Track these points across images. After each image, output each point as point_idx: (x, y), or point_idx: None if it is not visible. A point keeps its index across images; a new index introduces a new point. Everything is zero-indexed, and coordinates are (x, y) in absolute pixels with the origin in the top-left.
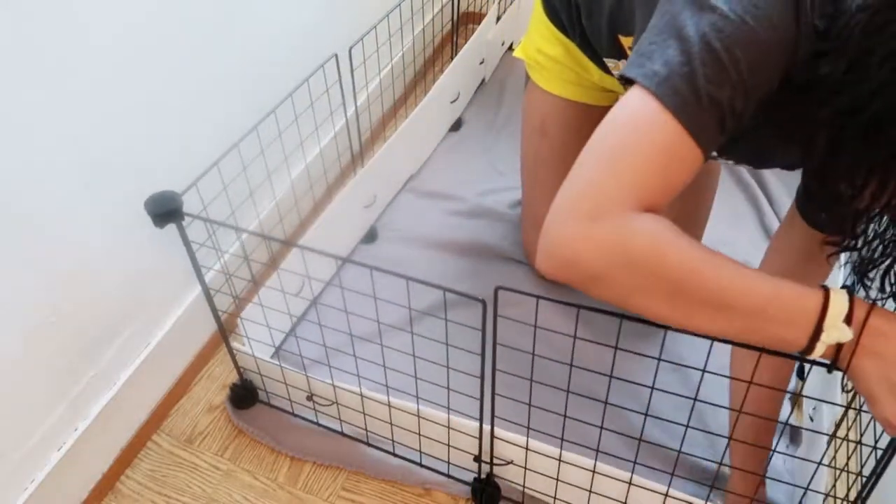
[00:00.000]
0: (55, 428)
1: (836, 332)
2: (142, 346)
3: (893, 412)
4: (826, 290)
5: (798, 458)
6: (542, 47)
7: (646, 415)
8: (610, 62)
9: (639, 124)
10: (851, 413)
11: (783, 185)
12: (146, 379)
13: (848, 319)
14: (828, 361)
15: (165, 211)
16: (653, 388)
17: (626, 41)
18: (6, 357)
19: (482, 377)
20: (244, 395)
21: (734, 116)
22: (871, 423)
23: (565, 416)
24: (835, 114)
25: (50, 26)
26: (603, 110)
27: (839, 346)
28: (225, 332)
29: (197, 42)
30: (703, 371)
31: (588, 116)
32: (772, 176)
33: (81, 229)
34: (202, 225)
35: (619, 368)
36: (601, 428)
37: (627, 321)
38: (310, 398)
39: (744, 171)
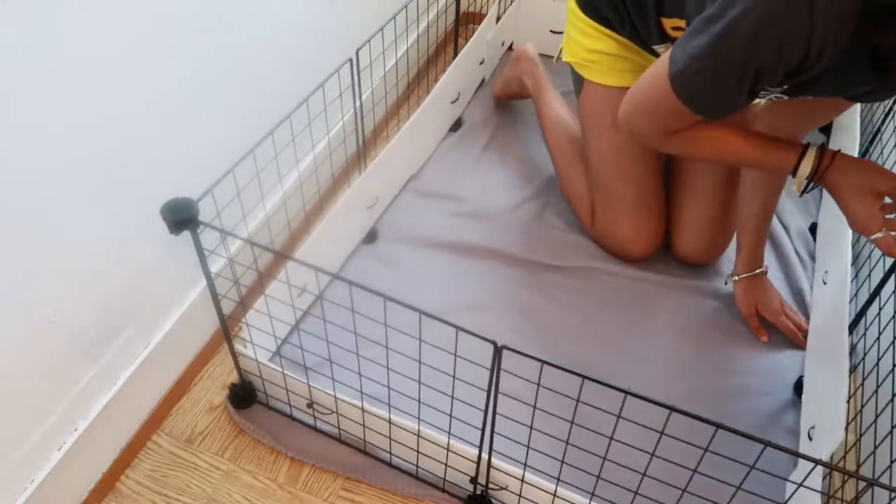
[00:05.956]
0: (55, 428)
1: (813, 154)
2: (142, 346)
3: (864, 214)
4: (807, 144)
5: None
6: (590, 46)
7: (643, 475)
8: (660, 48)
9: (660, 89)
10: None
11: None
12: (146, 379)
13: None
14: None
15: (182, 218)
16: (653, 454)
17: (667, 23)
18: (6, 357)
19: (486, 410)
20: (243, 396)
21: (753, 81)
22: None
23: (563, 461)
24: None
25: (57, 25)
26: None
27: (816, 170)
28: (230, 335)
29: (199, 42)
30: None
31: None
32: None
33: (82, 229)
34: (211, 230)
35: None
36: (597, 477)
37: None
38: (310, 406)
39: (777, 227)
